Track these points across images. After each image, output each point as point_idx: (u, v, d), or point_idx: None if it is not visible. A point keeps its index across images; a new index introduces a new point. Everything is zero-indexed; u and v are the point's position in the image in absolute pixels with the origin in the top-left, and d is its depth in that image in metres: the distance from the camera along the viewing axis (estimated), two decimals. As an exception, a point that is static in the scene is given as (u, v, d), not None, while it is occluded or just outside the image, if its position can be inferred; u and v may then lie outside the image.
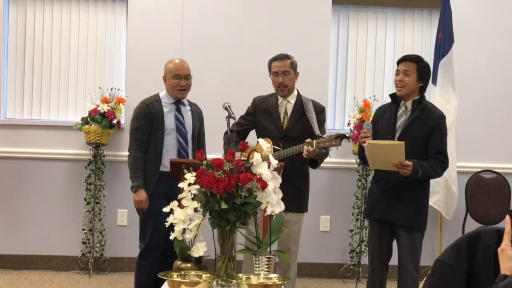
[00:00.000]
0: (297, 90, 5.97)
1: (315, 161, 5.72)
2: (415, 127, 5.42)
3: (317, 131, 5.57)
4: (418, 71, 5.47)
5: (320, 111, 5.89)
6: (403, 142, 5.20)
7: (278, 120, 5.87)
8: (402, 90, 5.46)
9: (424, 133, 5.42)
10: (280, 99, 5.92)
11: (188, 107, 6.05)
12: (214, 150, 6.09)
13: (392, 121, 5.50)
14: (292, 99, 5.91)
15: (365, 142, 5.35)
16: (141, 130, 5.90)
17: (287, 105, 5.90)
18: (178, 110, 5.97)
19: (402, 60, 5.55)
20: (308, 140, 5.44)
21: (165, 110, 5.92)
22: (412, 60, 5.51)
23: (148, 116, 5.89)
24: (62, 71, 8.09)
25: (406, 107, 5.50)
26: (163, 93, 6.02)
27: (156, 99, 5.98)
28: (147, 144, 5.88)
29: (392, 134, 5.45)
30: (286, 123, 5.86)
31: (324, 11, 8.08)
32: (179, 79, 5.90)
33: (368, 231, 5.83)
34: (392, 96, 5.62)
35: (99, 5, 8.09)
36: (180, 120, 5.94)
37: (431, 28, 8.20)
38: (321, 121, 5.83)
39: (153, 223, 5.82)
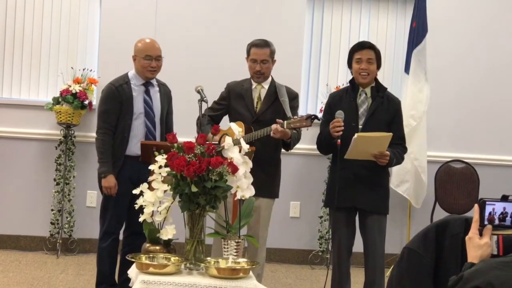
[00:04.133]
0: (272, 76, 5.96)
1: (287, 143, 5.71)
2: (378, 113, 5.47)
3: (288, 113, 5.54)
4: (377, 58, 5.53)
5: (293, 97, 5.89)
6: (391, 133, 5.26)
7: (251, 104, 5.85)
8: (367, 78, 5.48)
9: (387, 119, 5.48)
10: (254, 84, 5.89)
11: (157, 88, 5.94)
12: (186, 133, 6.06)
13: (353, 108, 5.49)
14: (266, 85, 5.88)
15: (338, 132, 5.34)
16: (110, 113, 5.79)
17: (260, 90, 5.88)
18: (147, 92, 5.87)
19: (362, 48, 5.54)
20: (279, 120, 5.44)
21: (134, 93, 5.81)
22: (371, 48, 5.54)
23: (117, 99, 5.78)
24: (34, 50, 8.00)
25: (366, 94, 5.52)
26: (132, 73, 5.90)
27: (125, 80, 5.86)
28: (115, 127, 5.82)
29: (355, 122, 5.46)
30: (259, 108, 5.84)
31: (299, -3, 8.09)
32: (149, 60, 5.78)
33: (333, 220, 5.70)
34: (352, 82, 5.63)
35: (73, -15, 8.02)
36: (148, 103, 5.84)
37: (405, 17, 8.22)
38: (294, 108, 5.82)
39: (114, 207, 5.80)
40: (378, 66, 5.57)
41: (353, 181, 5.45)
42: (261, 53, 5.81)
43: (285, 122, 5.40)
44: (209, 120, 5.83)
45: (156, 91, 5.94)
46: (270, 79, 5.92)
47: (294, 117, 5.48)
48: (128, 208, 5.73)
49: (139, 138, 5.77)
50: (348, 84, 5.67)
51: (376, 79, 5.58)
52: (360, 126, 5.44)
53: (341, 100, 5.61)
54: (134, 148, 5.76)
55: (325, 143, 5.61)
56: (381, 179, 5.54)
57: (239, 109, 5.86)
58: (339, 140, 5.33)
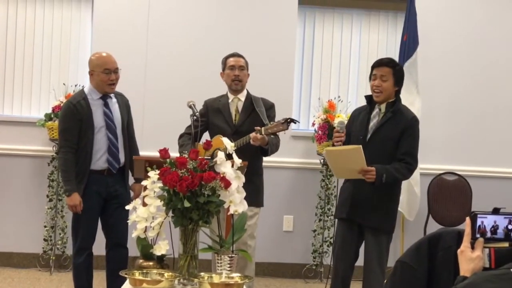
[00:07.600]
0: (247, 89, 6.17)
1: (265, 150, 5.76)
2: (386, 128, 5.42)
3: (265, 120, 5.75)
4: (394, 75, 5.46)
5: (269, 107, 6.09)
6: (361, 146, 5.23)
7: (230, 117, 6.04)
8: (380, 96, 5.45)
9: (394, 135, 5.41)
10: (231, 98, 6.09)
11: (115, 99, 5.94)
12: (177, 149, 6.08)
13: (365, 123, 5.50)
14: (242, 97, 6.11)
15: (338, 142, 5.41)
16: (70, 131, 5.77)
17: (238, 103, 6.10)
18: (106, 105, 5.85)
19: (378, 65, 5.53)
20: (257, 128, 5.58)
21: (93, 108, 5.79)
22: (388, 65, 5.50)
23: (76, 116, 5.74)
24: (26, 66, 8.00)
25: (380, 109, 5.50)
26: (88, 89, 5.89)
27: (82, 96, 5.84)
28: (77, 144, 5.79)
29: (363, 135, 5.45)
30: (237, 119, 6.02)
31: (291, 12, 8.09)
32: (109, 74, 5.77)
33: (335, 230, 5.84)
34: (368, 98, 5.62)
35: (64, 1, 8.02)
36: (109, 116, 5.83)
37: (396, 30, 8.24)
38: (271, 117, 5.98)
39: (85, 222, 5.82)
40: (397, 83, 5.49)
41: (354, 194, 5.49)
42: (238, 60, 6.12)
43: (263, 128, 5.55)
44: (190, 138, 5.91)
45: (114, 103, 5.94)
46: (245, 92, 6.14)
47: (271, 122, 5.62)
48: (104, 221, 5.83)
49: (103, 151, 5.80)
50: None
51: (397, 95, 5.53)
52: (367, 140, 5.44)
53: (359, 114, 5.64)
54: (99, 162, 5.79)
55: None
56: (383, 196, 5.44)
57: (218, 123, 6.05)
58: None
